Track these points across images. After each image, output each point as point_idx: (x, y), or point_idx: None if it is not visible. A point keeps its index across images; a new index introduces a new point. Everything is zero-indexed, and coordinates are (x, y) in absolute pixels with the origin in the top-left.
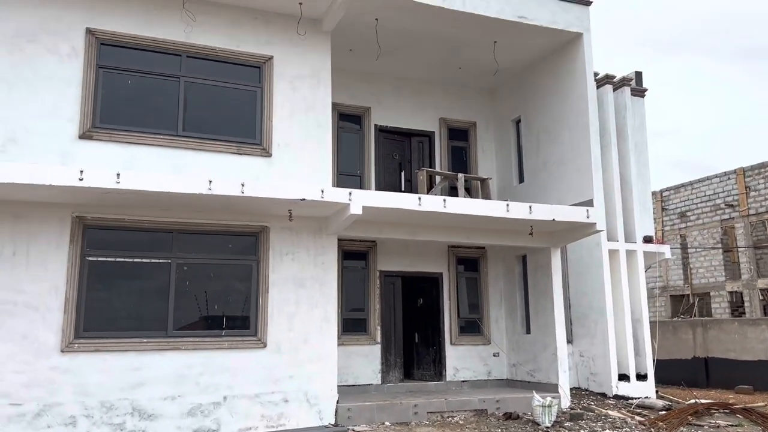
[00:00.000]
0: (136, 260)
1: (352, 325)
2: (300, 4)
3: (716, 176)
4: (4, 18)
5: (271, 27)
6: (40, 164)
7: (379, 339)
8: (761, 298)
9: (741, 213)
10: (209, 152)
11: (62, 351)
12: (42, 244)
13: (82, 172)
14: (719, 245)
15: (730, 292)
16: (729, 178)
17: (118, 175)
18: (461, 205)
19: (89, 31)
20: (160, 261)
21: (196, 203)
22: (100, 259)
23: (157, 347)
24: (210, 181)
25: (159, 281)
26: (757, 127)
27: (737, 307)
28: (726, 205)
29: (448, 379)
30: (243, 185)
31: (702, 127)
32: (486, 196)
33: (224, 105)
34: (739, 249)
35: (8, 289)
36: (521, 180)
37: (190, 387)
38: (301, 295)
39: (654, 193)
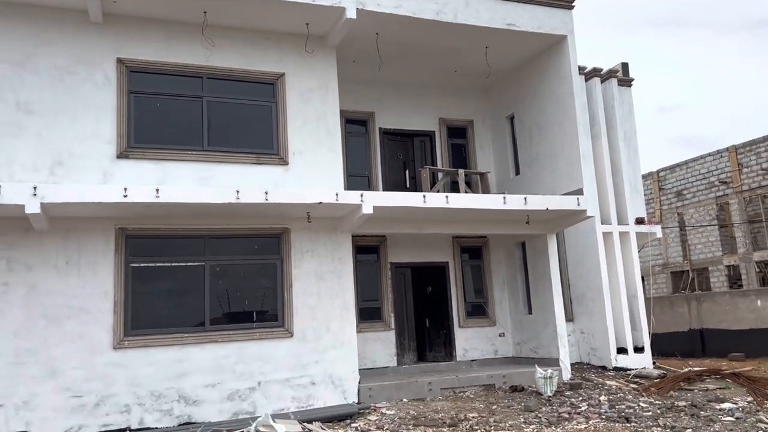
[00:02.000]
0: (173, 264)
1: (367, 314)
2: (307, 24)
3: (710, 155)
4: (45, 54)
5: (282, 46)
6: (88, 184)
7: (393, 325)
8: (758, 270)
9: (735, 189)
10: (232, 164)
11: (114, 348)
12: (90, 254)
13: (126, 189)
14: (715, 221)
15: (728, 266)
16: (722, 156)
17: (157, 190)
18: (462, 201)
19: (119, 61)
20: (195, 264)
21: (225, 211)
22: (142, 265)
23: (196, 341)
24: (237, 191)
25: (195, 282)
26: (759, 99)
27: (735, 280)
28: (720, 182)
29: (458, 359)
30: (267, 193)
31: (706, 101)
32: (485, 189)
33: (243, 120)
34: (735, 224)
35: (64, 294)
36: (517, 172)
37: (228, 375)
38: (322, 288)
39: (651, 174)
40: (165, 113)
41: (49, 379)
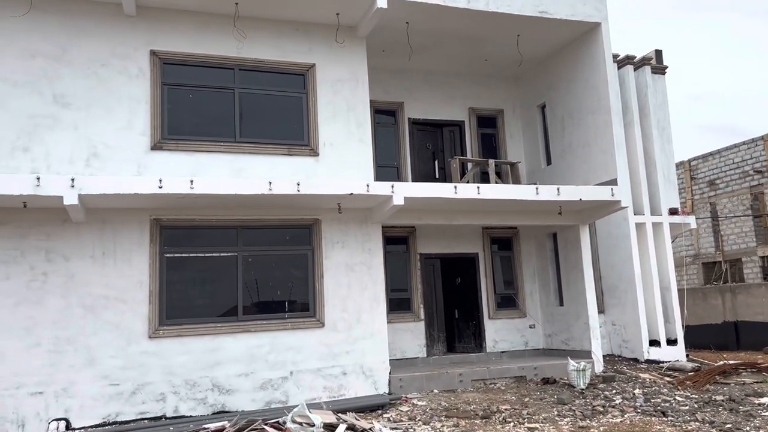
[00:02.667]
0: (207, 254)
1: (397, 305)
2: (337, 14)
3: (744, 143)
4: (79, 47)
5: (312, 37)
6: (124, 176)
7: (422, 316)
8: None
9: None
10: (264, 155)
11: (150, 337)
12: (126, 244)
13: (161, 180)
14: (749, 212)
15: (762, 257)
16: (757, 145)
17: (192, 181)
18: (494, 191)
19: (153, 53)
20: (228, 254)
21: (257, 202)
22: (176, 255)
23: (229, 330)
24: (270, 183)
25: (228, 272)
26: None
27: None
28: (755, 171)
29: (488, 351)
30: (298, 184)
31: (739, 87)
32: (516, 179)
33: (274, 111)
34: None
35: (101, 285)
36: (549, 162)
37: (261, 364)
38: (352, 279)
39: (682, 163)
40: (197, 104)
41: (87, 368)
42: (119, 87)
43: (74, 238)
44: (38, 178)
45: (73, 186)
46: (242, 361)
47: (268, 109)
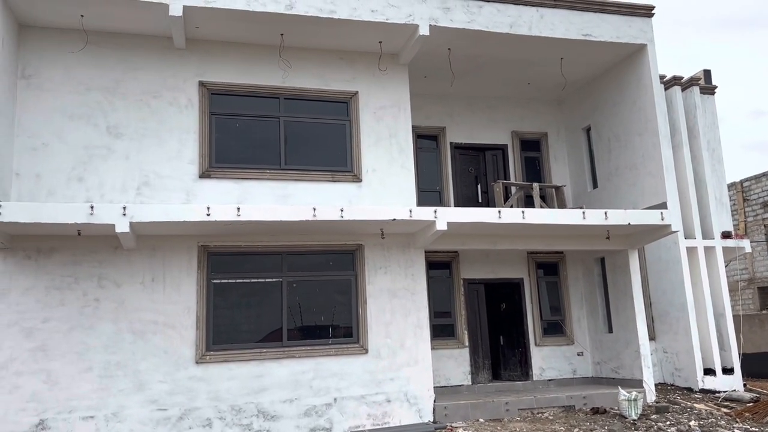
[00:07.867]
0: (252, 280)
1: (440, 331)
2: (380, 42)
3: None
4: (133, 79)
5: (355, 65)
6: (173, 203)
7: (467, 343)
8: None
9: None
10: (308, 182)
11: (197, 362)
12: (174, 271)
13: (209, 208)
14: None
15: None
16: None
17: (238, 209)
18: (539, 216)
19: (201, 84)
20: (273, 280)
21: (302, 228)
22: (222, 281)
23: (274, 356)
24: (314, 209)
25: (273, 297)
26: None
27: None
28: None
29: (534, 379)
30: (342, 210)
31: None
32: (561, 203)
33: (318, 138)
34: None
35: (150, 311)
36: (595, 185)
37: (305, 390)
38: (395, 305)
39: (734, 184)
40: (244, 133)
41: (137, 392)
42: (169, 117)
43: (125, 264)
44: (92, 207)
45: (124, 214)
46: (287, 387)
47: (313, 136)
